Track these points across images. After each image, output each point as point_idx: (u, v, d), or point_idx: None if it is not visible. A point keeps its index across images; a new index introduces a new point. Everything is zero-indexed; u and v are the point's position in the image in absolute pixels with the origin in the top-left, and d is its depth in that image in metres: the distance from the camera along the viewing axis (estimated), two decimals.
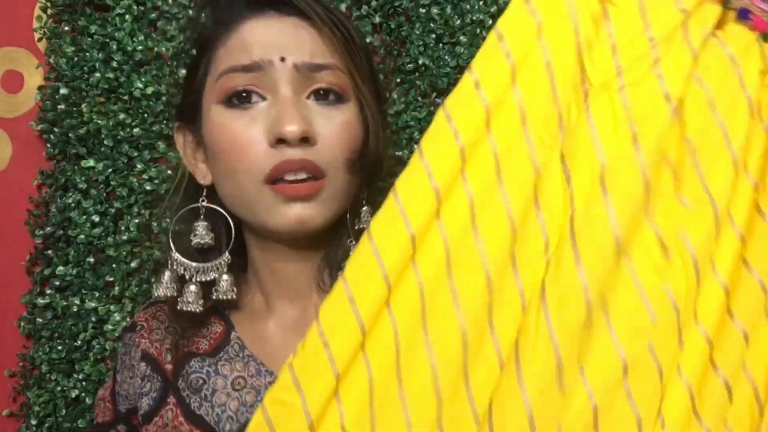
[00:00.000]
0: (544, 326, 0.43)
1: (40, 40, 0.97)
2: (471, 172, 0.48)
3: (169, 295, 0.64)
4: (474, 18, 0.92)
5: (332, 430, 0.46)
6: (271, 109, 0.59)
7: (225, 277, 0.65)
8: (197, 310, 0.64)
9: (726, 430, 0.41)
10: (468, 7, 0.92)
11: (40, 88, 0.96)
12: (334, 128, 0.60)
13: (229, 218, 0.65)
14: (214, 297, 0.65)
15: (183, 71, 0.92)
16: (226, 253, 0.65)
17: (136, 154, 0.93)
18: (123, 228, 0.93)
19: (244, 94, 0.60)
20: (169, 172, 0.93)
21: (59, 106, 0.94)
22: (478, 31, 0.92)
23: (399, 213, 0.48)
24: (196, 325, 0.66)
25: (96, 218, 0.93)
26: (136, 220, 0.93)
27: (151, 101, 0.93)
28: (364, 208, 0.65)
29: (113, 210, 0.93)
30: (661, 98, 0.45)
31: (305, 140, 0.58)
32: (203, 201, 0.66)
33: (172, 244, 0.64)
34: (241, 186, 0.60)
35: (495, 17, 0.92)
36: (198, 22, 0.69)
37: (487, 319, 0.46)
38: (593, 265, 0.43)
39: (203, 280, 0.64)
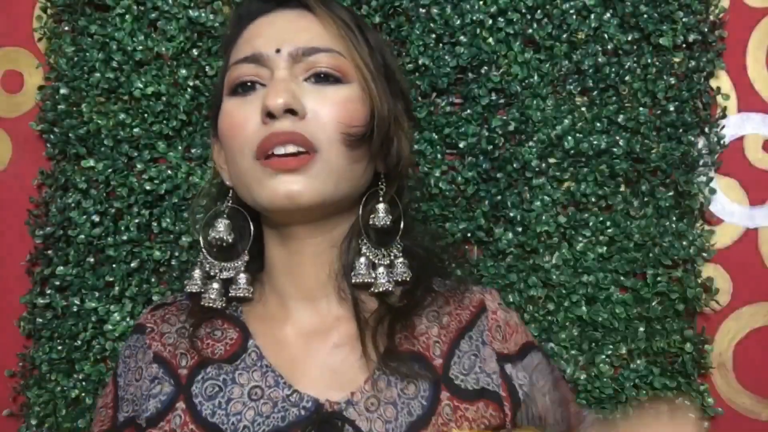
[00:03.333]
0: None
1: (40, 40, 0.97)
2: None
3: (195, 291, 0.66)
4: (474, 18, 0.92)
5: None
6: (266, 90, 0.61)
7: (242, 275, 0.67)
8: (220, 306, 0.66)
9: None
10: (468, 7, 0.92)
11: (40, 88, 0.96)
12: (327, 103, 0.61)
13: (249, 219, 0.67)
14: (232, 294, 0.67)
15: (183, 71, 0.93)
16: (246, 252, 0.67)
17: (136, 154, 0.93)
18: (123, 228, 0.93)
19: (248, 84, 0.62)
20: (169, 172, 0.93)
21: (59, 106, 0.94)
22: (478, 31, 0.92)
23: None
24: (209, 319, 0.68)
25: (96, 218, 0.93)
26: (136, 220, 0.93)
27: (151, 101, 0.93)
28: (381, 206, 0.65)
29: (113, 210, 0.93)
30: None
31: (292, 112, 0.59)
32: (228, 201, 0.67)
33: (202, 243, 0.67)
34: (238, 165, 0.62)
35: (495, 17, 0.92)
36: (224, 36, 0.72)
37: None
38: None
39: (224, 277, 0.67)
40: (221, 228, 0.66)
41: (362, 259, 0.65)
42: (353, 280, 0.64)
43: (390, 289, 0.64)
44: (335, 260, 0.66)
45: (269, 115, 0.59)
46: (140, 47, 0.93)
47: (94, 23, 0.94)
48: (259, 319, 0.67)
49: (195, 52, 0.93)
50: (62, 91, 0.94)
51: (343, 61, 0.62)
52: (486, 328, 0.66)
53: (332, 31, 0.63)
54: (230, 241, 0.66)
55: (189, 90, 0.93)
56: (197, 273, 0.67)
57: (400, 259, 0.66)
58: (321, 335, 0.65)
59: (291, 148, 0.58)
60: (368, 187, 0.66)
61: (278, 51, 0.61)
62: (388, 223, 0.65)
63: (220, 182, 0.71)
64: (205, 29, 0.93)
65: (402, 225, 0.67)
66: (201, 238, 0.68)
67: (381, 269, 0.65)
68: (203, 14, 0.93)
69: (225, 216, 0.67)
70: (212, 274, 0.67)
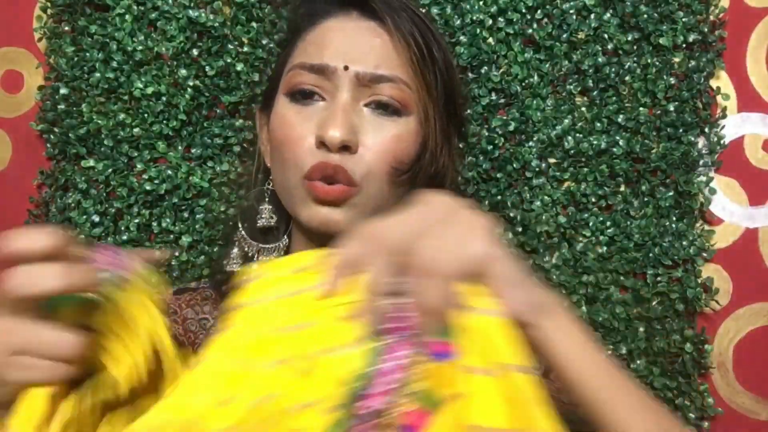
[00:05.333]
0: None
1: (40, 40, 0.97)
2: None
3: (235, 270, 0.66)
4: (474, 18, 0.92)
5: None
6: (325, 111, 0.61)
7: None
8: None
9: None
10: (468, 7, 0.92)
11: (40, 88, 0.96)
12: (380, 139, 0.61)
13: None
14: None
15: (183, 71, 0.93)
16: (285, 236, 0.67)
17: (136, 154, 0.93)
18: (123, 228, 0.93)
19: (307, 92, 0.62)
20: (169, 172, 0.93)
21: (59, 106, 0.94)
22: (478, 31, 0.92)
23: None
24: None
25: (96, 218, 0.93)
26: (136, 220, 0.93)
27: (151, 101, 0.93)
28: None
29: (113, 210, 0.93)
30: None
31: (345, 148, 0.59)
32: (269, 185, 0.68)
33: (239, 222, 0.67)
34: (286, 176, 0.62)
35: (495, 17, 0.92)
36: (291, 13, 0.70)
37: None
38: None
39: (262, 260, 0.67)
40: (267, 214, 0.66)
41: None
42: None
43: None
44: None
45: (323, 144, 0.59)
46: (140, 47, 0.93)
47: (94, 23, 0.94)
48: None
49: (195, 52, 0.93)
50: (62, 91, 0.94)
51: (407, 93, 0.62)
52: None
53: (402, 55, 0.62)
54: (273, 224, 0.66)
55: (189, 90, 0.93)
56: (236, 252, 0.66)
57: None
58: None
59: (335, 185, 0.59)
60: None
61: (346, 68, 0.60)
62: None
63: (259, 161, 0.71)
64: (205, 29, 0.93)
65: None
66: (239, 218, 0.67)
67: None
68: (203, 14, 0.93)
69: (267, 201, 0.67)
70: (250, 254, 0.66)
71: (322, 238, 0.63)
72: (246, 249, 0.67)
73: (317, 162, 0.59)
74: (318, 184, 0.59)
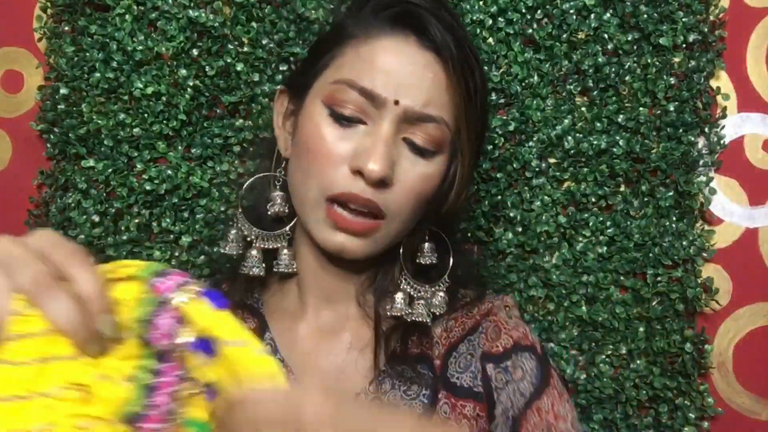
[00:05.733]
0: None
1: (40, 40, 0.97)
2: None
3: (234, 253, 0.65)
4: (474, 18, 0.92)
5: None
6: (367, 138, 0.59)
7: (286, 251, 0.66)
8: (260, 274, 0.65)
9: None
10: (468, 7, 0.92)
11: (40, 88, 0.96)
12: (413, 178, 0.60)
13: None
14: (275, 270, 0.66)
15: (183, 71, 0.93)
16: (288, 227, 0.66)
17: (135, 154, 0.93)
18: (123, 228, 0.93)
19: (348, 114, 0.60)
20: (169, 172, 0.93)
21: (59, 106, 0.94)
22: (478, 31, 0.92)
23: None
24: (248, 290, 0.67)
25: (96, 218, 0.93)
26: (136, 220, 0.93)
27: (151, 101, 0.93)
28: (426, 245, 0.66)
29: (113, 210, 0.93)
30: None
31: (382, 183, 0.59)
32: (281, 172, 0.67)
33: (240, 204, 0.66)
34: (308, 188, 0.61)
35: (495, 17, 0.92)
36: (349, 12, 0.68)
37: None
38: None
39: (264, 247, 0.65)
40: (279, 201, 0.65)
41: (400, 294, 0.64)
42: (389, 314, 0.64)
43: (428, 322, 0.64)
44: (367, 285, 0.66)
45: (359, 174, 0.58)
46: (140, 47, 0.93)
47: (94, 23, 0.94)
48: (277, 312, 0.68)
49: (195, 52, 0.93)
50: (62, 91, 0.94)
51: (446, 135, 0.62)
52: (483, 330, 0.65)
53: (452, 96, 0.61)
54: (286, 212, 0.65)
55: (189, 90, 0.93)
56: (233, 234, 0.65)
57: (441, 294, 0.65)
58: (334, 335, 0.65)
59: (359, 217, 0.59)
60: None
61: (396, 103, 0.59)
62: (434, 261, 0.65)
63: (270, 145, 0.70)
64: (205, 29, 0.93)
65: (451, 262, 0.66)
66: (240, 200, 0.67)
67: (421, 302, 0.64)
68: (203, 14, 0.93)
69: (278, 188, 0.66)
70: (249, 239, 0.65)
71: (332, 256, 0.63)
72: (245, 232, 0.65)
73: (349, 192, 0.58)
74: (340, 213, 0.59)
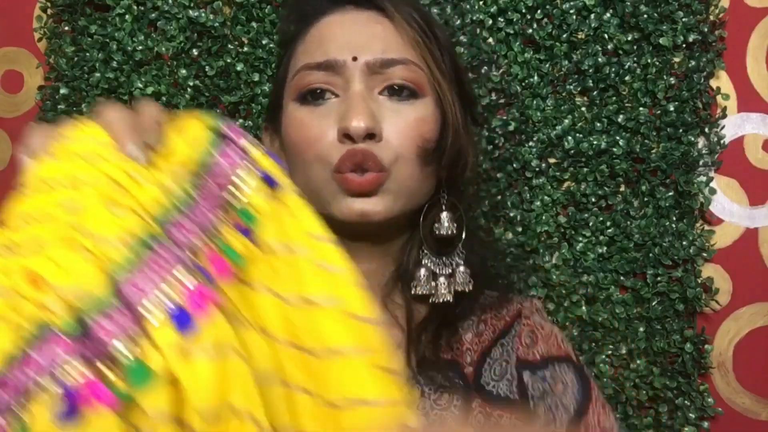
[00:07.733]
0: None
1: (40, 40, 0.97)
2: None
3: None
4: (474, 18, 0.92)
5: None
6: (342, 105, 0.59)
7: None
8: None
9: None
10: (468, 7, 0.92)
11: (40, 88, 0.96)
12: (403, 124, 0.60)
13: None
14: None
15: (183, 71, 0.93)
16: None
17: None
18: None
19: (318, 92, 0.60)
20: None
21: (59, 106, 0.94)
22: (478, 31, 0.92)
23: None
24: None
25: None
26: None
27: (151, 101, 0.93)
28: (444, 214, 0.64)
29: None
30: None
31: (370, 136, 0.58)
32: None
33: None
34: (311, 175, 0.60)
35: (495, 17, 0.92)
36: (284, 23, 0.69)
37: None
38: None
39: None
40: None
41: (422, 270, 0.64)
42: (414, 291, 0.64)
43: (450, 300, 0.63)
44: (391, 270, 0.65)
45: (347, 137, 0.58)
46: (140, 47, 0.93)
47: (94, 23, 0.94)
48: None
49: (195, 52, 0.93)
50: (62, 91, 0.94)
51: (419, 74, 0.61)
52: (517, 334, 0.64)
53: (408, 38, 0.61)
54: None
55: (189, 90, 0.93)
56: None
57: (462, 268, 0.65)
58: None
59: (366, 174, 0.58)
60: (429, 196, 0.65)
61: (355, 59, 0.59)
62: (453, 231, 0.64)
63: None
64: (205, 29, 0.93)
65: (464, 232, 0.65)
66: None
67: (442, 279, 0.64)
68: (203, 14, 0.93)
69: None
70: None
71: (354, 232, 0.62)
72: None
73: (345, 152, 0.58)
74: (350, 176, 0.58)
